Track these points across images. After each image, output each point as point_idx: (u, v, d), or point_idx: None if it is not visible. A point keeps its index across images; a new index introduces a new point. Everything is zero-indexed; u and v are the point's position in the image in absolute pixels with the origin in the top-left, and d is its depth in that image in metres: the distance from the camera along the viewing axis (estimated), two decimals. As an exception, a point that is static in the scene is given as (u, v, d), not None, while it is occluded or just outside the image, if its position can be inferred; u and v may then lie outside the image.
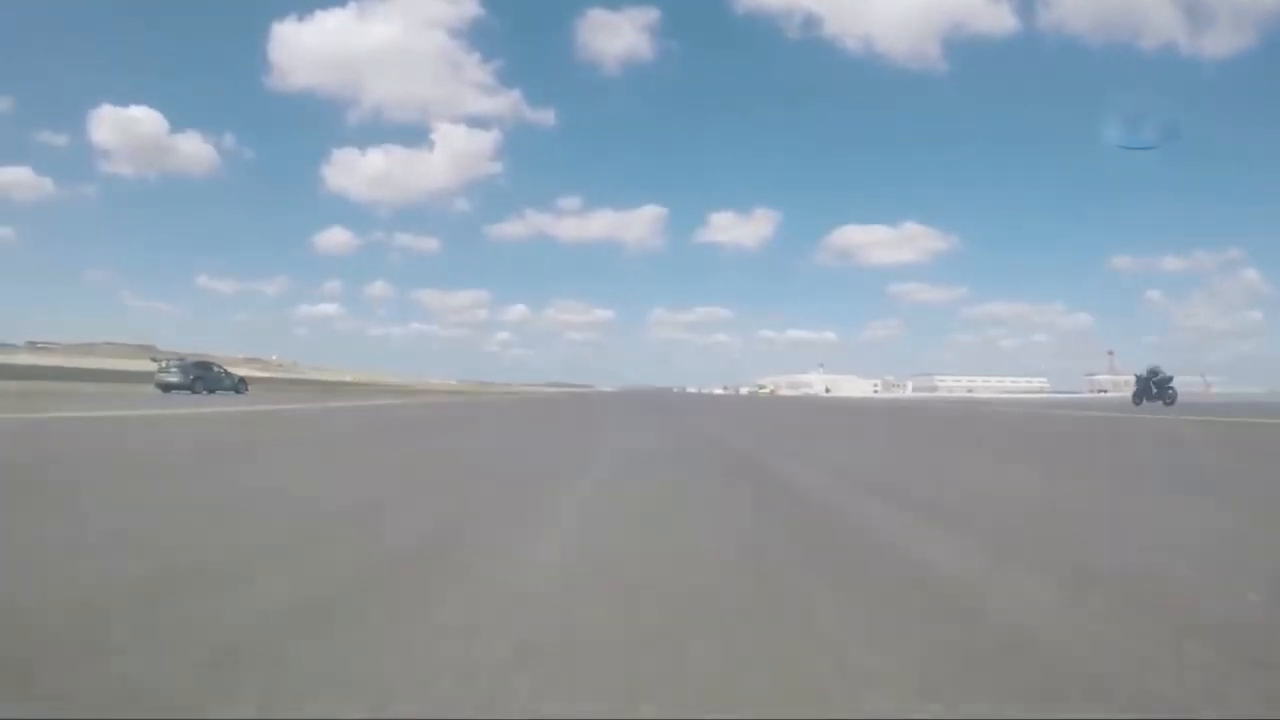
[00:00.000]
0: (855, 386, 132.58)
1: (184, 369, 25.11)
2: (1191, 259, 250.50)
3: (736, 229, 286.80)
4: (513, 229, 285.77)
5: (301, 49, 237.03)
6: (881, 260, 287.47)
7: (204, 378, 25.60)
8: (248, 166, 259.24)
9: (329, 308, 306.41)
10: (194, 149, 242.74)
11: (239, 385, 27.28)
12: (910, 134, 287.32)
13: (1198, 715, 1.02)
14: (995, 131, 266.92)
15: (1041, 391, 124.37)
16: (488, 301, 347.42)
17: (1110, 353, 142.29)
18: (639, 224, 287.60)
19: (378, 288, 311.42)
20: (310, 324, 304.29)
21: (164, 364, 25.15)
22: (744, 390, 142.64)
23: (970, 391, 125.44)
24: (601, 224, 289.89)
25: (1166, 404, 28.52)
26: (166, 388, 24.65)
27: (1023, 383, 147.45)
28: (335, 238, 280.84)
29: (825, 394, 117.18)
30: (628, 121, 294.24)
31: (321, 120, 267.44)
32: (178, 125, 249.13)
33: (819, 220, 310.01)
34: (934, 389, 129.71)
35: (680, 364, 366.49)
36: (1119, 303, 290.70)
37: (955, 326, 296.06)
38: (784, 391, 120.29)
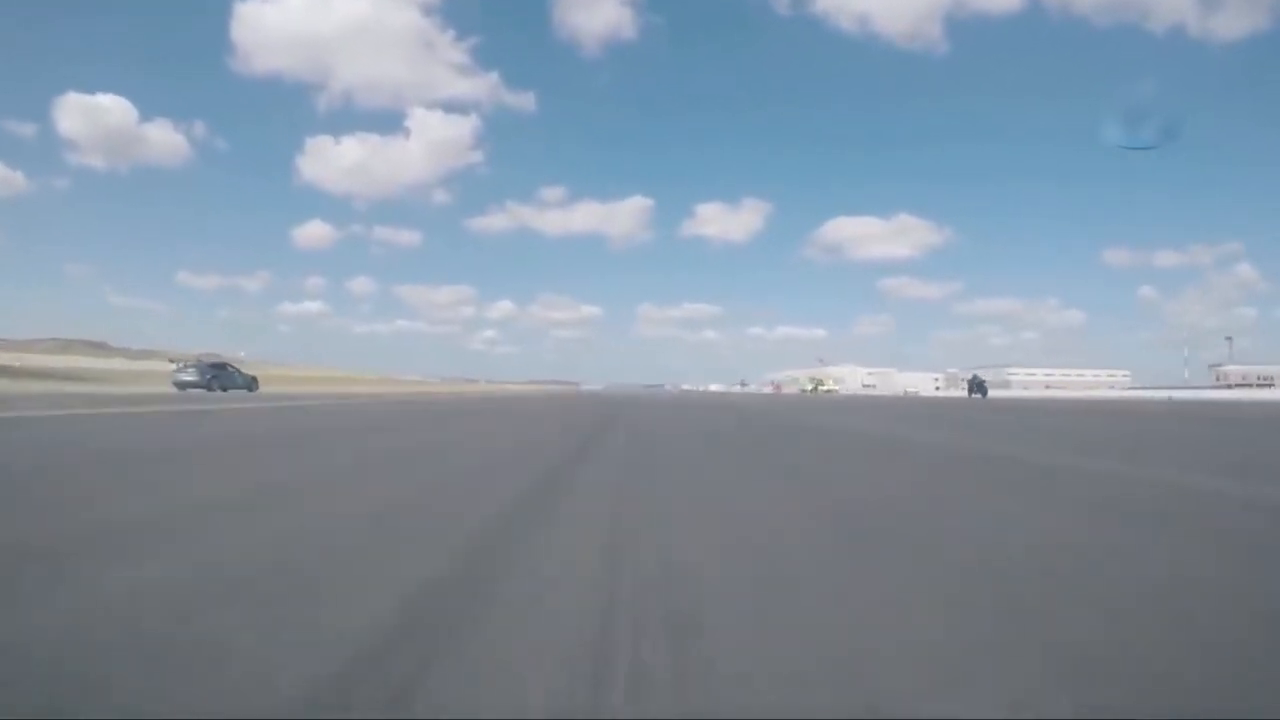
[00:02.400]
0: (910, 382, 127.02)
1: (200, 369, 27.61)
2: (1188, 253, 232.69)
3: (725, 221, 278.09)
4: (495, 222, 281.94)
5: (265, 28, 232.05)
6: (873, 254, 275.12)
7: (219, 376, 28.04)
8: (220, 157, 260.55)
9: (312, 305, 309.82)
10: (164, 138, 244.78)
11: (250, 383, 29.66)
12: (907, 121, 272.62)
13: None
14: (994, 118, 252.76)
15: (1173, 388, 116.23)
16: (472, 298, 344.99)
17: (1229, 338, 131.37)
18: (624, 216, 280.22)
19: (360, 283, 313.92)
20: (294, 321, 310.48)
21: (181, 364, 27.77)
22: (785, 388, 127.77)
23: (1048, 388, 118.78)
24: (586, 216, 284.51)
25: (983, 397, 41.08)
26: (183, 386, 27.19)
27: (1104, 376, 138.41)
28: (314, 231, 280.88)
29: (875, 392, 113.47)
30: (611, 106, 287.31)
31: (291, 106, 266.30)
32: (147, 113, 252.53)
33: (810, 211, 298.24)
34: (1006, 384, 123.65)
35: (669, 361, 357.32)
36: (1112, 299, 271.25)
37: (947, 322, 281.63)
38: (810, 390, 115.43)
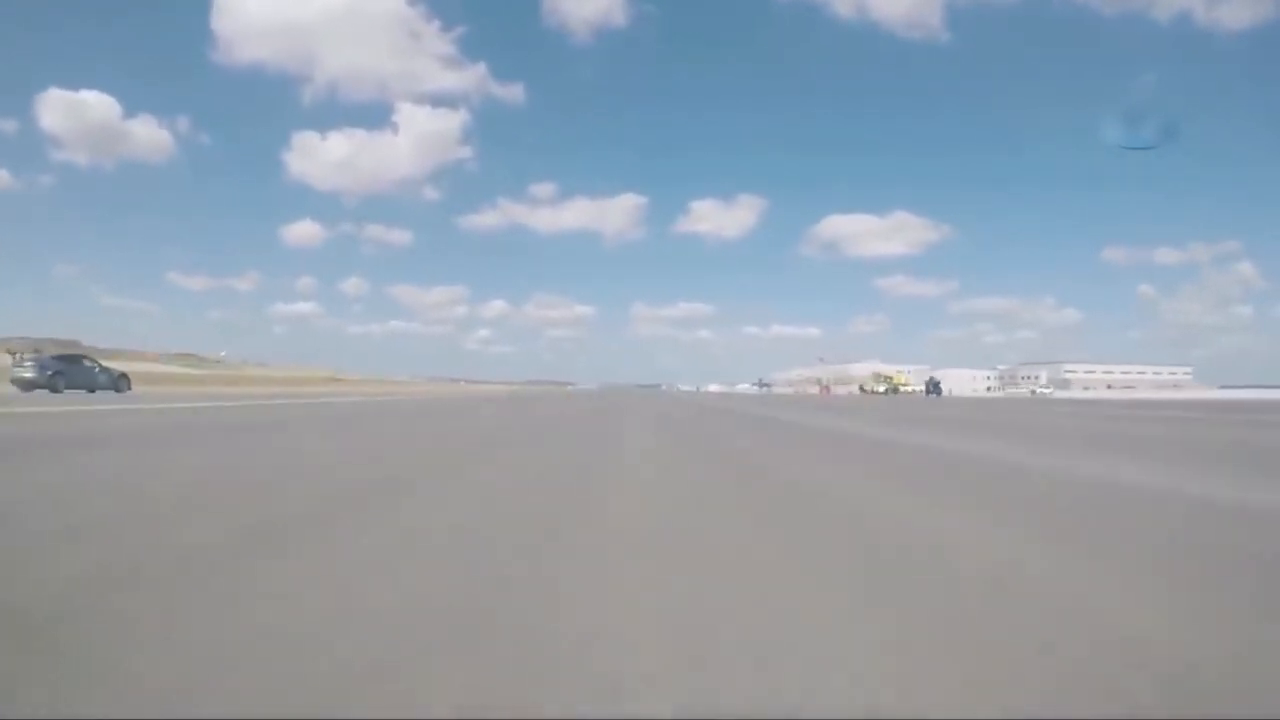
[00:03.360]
0: (956, 380, 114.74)
1: (41, 364, 20.84)
2: (1187, 251, 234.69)
3: (719, 218, 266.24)
4: (486, 219, 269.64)
5: (246, 17, 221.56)
6: (870, 252, 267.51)
7: (67, 373, 21.28)
8: (206, 153, 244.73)
9: (305, 305, 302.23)
10: (149, 134, 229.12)
11: (118, 382, 22.87)
12: (906, 114, 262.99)
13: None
14: (995, 111, 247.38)
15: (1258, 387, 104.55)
16: (465, 297, 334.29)
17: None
18: (617, 213, 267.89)
19: (352, 284, 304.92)
20: (287, 322, 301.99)
21: (19, 356, 21.01)
22: (831, 386, 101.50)
23: (1109, 387, 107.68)
24: (578, 213, 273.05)
25: (938, 396, 42.77)
26: (25, 385, 20.53)
27: (1165, 374, 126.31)
28: (304, 230, 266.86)
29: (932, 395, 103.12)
30: (602, 98, 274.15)
31: (275, 100, 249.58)
32: (130, 109, 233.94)
33: (806, 208, 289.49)
34: (1065, 384, 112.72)
35: (664, 361, 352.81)
36: (1109, 297, 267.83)
37: (943, 321, 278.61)
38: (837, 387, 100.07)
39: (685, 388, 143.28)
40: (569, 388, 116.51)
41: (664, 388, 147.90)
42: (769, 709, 0.94)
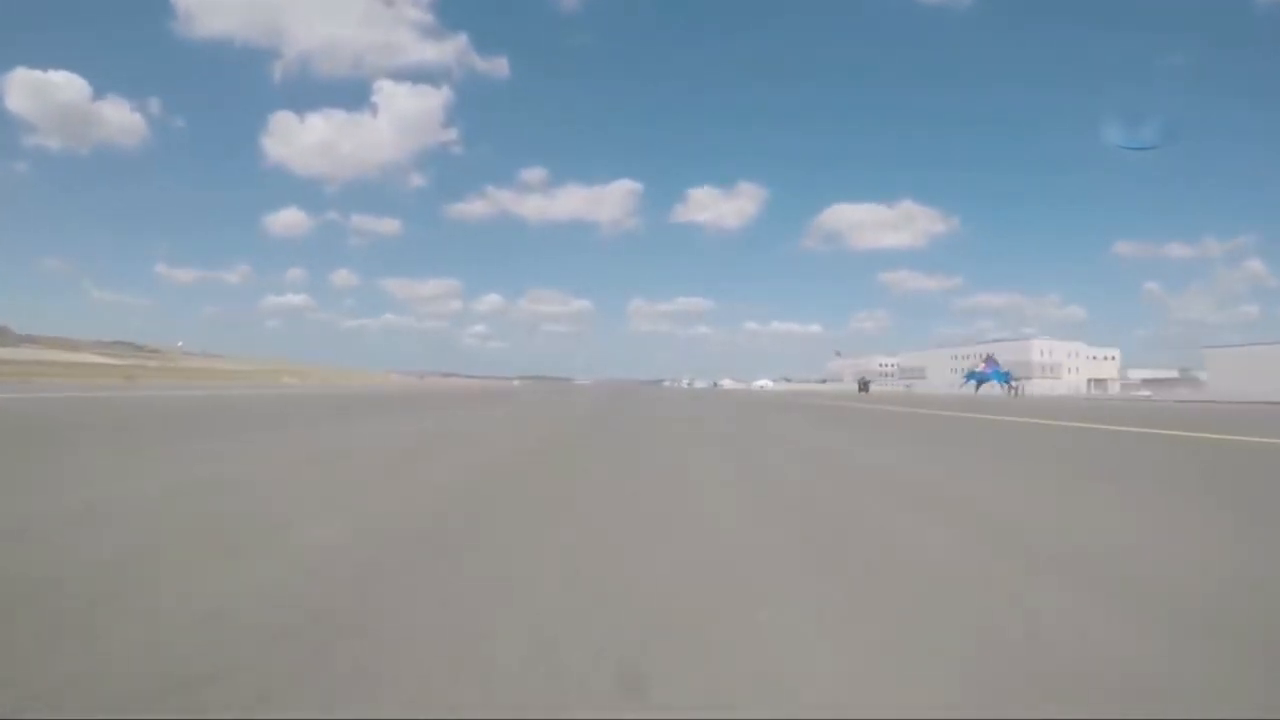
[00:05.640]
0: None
1: None
2: (1198, 246, 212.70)
3: (718, 206, 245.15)
4: (475, 208, 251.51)
5: None
6: (875, 244, 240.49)
7: None
8: (180, 137, 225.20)
9: (296, 298, 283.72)
10: (121, 117, 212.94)
11: None
12: (916, 96, 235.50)
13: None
14: (1007, 97, 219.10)
15: None
16: (459, 291, 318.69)
17: None
18: (611, 201, 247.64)
19: (342, 276, 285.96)
20: (280, 316, 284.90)
21: None
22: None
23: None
24: (570, 201, 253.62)
25: (867, 393, 40.69)
26: None
27: None
28: (289, 219, 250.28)
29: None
30: (592, 73, 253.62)
31: (246, 77, 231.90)
32: (99, 90, 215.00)
33: (808, 198, 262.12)
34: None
35: (662, 357, 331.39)
36: (1116, 295, 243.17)
37: (945, 318, 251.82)
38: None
39: (699, 384, 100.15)
40: (515, 383, 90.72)
41: (667, 384, 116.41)
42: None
